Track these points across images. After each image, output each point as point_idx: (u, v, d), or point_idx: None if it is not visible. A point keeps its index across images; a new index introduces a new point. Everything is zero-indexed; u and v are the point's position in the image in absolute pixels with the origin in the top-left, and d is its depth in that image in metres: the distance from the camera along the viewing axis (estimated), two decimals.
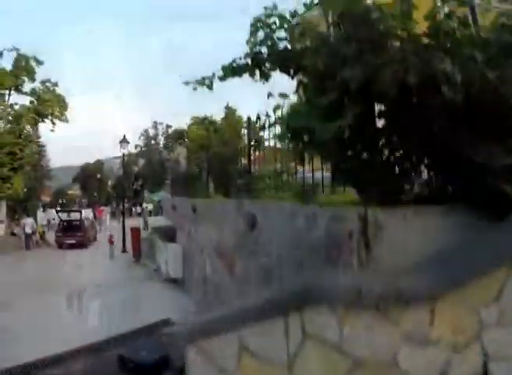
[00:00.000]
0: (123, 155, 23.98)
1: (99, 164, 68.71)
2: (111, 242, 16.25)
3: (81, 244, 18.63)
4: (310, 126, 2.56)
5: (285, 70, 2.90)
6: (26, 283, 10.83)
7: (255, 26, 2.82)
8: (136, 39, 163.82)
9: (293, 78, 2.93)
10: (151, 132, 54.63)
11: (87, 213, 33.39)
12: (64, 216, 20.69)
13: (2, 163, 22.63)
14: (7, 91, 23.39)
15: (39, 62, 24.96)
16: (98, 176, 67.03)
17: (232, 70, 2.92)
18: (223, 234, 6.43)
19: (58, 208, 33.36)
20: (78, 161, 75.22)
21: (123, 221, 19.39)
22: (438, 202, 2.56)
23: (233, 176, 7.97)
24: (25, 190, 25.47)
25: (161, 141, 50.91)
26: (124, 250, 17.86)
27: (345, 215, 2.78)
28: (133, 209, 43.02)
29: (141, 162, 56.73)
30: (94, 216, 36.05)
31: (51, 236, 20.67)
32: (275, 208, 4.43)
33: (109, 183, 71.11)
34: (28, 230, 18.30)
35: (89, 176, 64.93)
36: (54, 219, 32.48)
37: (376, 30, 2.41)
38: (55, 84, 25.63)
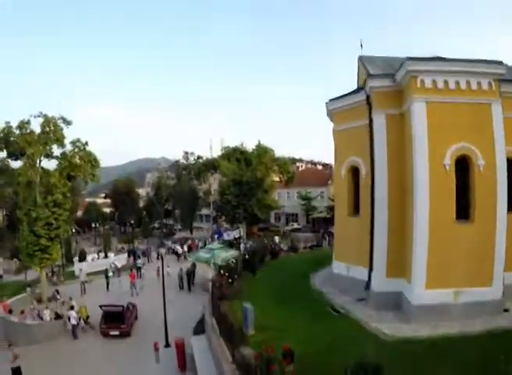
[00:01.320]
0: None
1: (130, 183, 69.10)
2: (156, 349, 15.47)
3: (125, 334, 18.38)
4: None
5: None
6: None
7: None
8: None
9: None
10: (183, 161, 54.11)
11: (120, 259, 33.03)
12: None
13: (39, 234, 22.45)
14: (38, 159, 22.85)
15: (68, 123, 24.35)
16: (129, 191, 67.65)
17: None
18: None
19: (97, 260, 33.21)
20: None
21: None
22: None
23: None
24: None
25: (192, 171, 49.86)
26: (167, 344, 17.09)
27: None
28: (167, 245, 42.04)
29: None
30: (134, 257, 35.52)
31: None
32: None
33: (141, 202, 71.81)
34: (74, 321, 18.30)
35: (120, 193, 65.50)
36: (93, 259, 32.46)
37: None
38: (86, 144, 25.02)
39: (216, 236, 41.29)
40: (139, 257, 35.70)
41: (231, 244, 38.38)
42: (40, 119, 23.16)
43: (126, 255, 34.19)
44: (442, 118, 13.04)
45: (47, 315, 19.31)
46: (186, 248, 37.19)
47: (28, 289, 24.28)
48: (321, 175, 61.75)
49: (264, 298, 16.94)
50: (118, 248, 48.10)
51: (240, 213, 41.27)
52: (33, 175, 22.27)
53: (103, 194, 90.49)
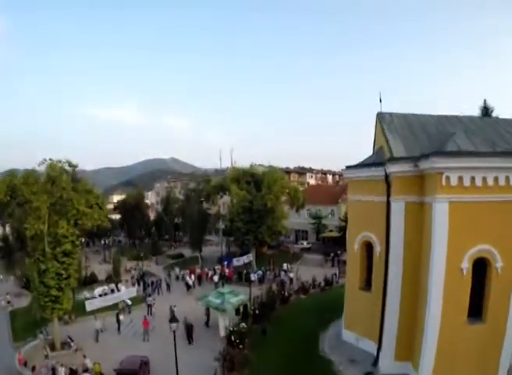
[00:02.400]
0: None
1: (140, 196, 69.37)
2: None
3: None
4: None
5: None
6: None
7: None
8: None
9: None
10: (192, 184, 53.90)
11: (130, 292, 33.00)
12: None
13: (49, 285, 22.51)
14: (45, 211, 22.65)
15: (73, 166, 24.31)
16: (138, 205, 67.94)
17: None
18: None
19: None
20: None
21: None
22: None
23: None
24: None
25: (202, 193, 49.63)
26: None
27: None
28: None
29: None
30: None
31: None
32: None
33: (149, 212, 72.15)
34: None
35: (129, 209, 65.85)
36: (103, 294, 32.53)
37: None
38: (93, 185, 25.03)
39: (226, 263, 41.07)
40: (148, 285, 35.84)
41: (240, 275, 38.29)
42: (45, 165, 22.94)
43: (135, 288, 34.20)
44: (464, 218, 12.48)
45: (62, 373, 19.33)
46: (194, 278, 37.20)
47: (40, 336, 24.46)
48: (331, 193, 60.99)
49: (274, 368, 16.88)
50: (127, 267, 48.39)
51: (249, 240, 41.03)
52: (41, 226, 22.22)
53: (112, 205, 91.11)
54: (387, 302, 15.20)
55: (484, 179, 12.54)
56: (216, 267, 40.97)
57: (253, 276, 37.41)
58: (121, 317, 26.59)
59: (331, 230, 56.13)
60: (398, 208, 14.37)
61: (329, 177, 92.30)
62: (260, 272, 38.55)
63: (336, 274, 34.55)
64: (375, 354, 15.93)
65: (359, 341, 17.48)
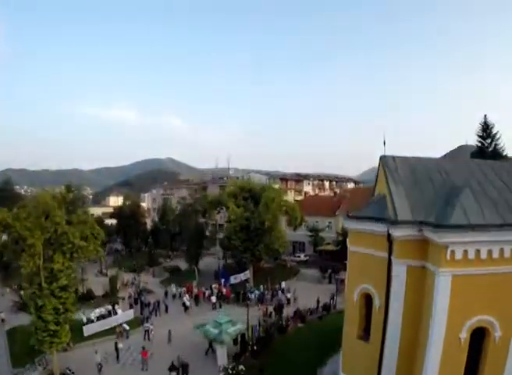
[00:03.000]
0: None
1: (136, 204, 69.29)
2: None
3: None
4: None
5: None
6: None
7: None
8: None
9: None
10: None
11: (128, 315, 33.08)
12: None
13: (47, 320, 22.42)
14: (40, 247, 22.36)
15: (72, 191, 24.28)
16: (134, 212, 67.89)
17: None
18: None
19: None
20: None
21: None
22: None
23: None
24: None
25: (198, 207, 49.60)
26: None
27: None
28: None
29: None
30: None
31: None
32: None
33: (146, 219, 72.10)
34: None
35: (125, 217, 65.85)
36: (101, 317, 32.29)
37: None
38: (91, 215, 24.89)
39: (223, 280, 41.19)
40: (146, 306, 35.87)
41: (238, 294, 38.40)
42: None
43: (132, 310, 34.19)
44: (466, 290, 12.49)
45: None
46: (191, 298, 37.35)
47: (39, 367, 24.44)
48: (329, 204, 61.21)
49: None
50: (124, 281, 48.39)
51: (246, 258, 41.12)
52: (37, 261, 21.94)
53: (108, 209, 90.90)
54: (384, 357, 15.32)
55: (489, 251, 12.52)
56: (213, 285, 41.04)
57: (251, 296, 37.66)
58: (120, 345, 26.64)
59: (328, 243, 56.42)
60: (400, 271, 14.39)
61: (326, 184, 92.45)
62: (257, 292, 38.72)
63: (333, 297, 34.66)
64: None
65: None
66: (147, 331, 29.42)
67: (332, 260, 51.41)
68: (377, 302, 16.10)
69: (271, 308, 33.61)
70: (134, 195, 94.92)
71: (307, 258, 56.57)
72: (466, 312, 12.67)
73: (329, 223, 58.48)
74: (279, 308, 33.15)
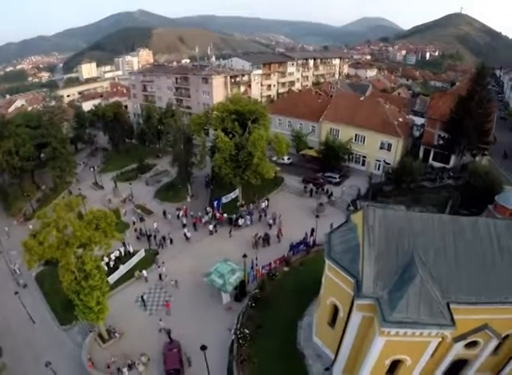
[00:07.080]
0: None
1: (118, 107, 67.48)
2: None
3: None
4: None
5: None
6: None
7: None
8: None
9: None
10: None
11: (139, 255, 39.19)
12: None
13: (90, 306, 26.14)
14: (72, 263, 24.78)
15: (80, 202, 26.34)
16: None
17: None
18: None
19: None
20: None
21: None
22: None
23: None
24: None
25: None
26: None
27: None
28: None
29: None
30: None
31: None
32: None
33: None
34: None
35: (109, 121, 65.53)
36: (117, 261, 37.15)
37: None
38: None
39: (216, 203, 45.65)
40: (150, 236, 41.94)
41: (230, 220, 44.15)
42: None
43: (142, 250, 39.78)
44: (393, 345, 18.11)
45: (126, 372, 25.95)
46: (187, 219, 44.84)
47: (90, 334, 30.02)
48: (314, 107, 60.19)
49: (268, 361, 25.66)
50: (121, 198, 52.99)
51: (236, 181, 44.50)
52: (73, 269, 24.59)
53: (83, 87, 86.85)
54: (343, 343, 21.93)
55: (413, 333, 17.48)
56: (208, 208, 46.64)
57: (241, 222, 43.99)
58: (144, 296, 33.30)
59: (311, 148, 58.93)
60: (357, 316, 19.48)
61: (311, 62, 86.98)
62: (248, 216, 44.52)
63: (313, 232, 39.02)
64: (331, 363, 23.84)
65: (323, 347, 25.24)
66: (160, 275, 35.89)
67: (314, 167, 55.37)
68: (341, 314, 21.80)
69: (260, 232, 40.49)
70: (107, 60, 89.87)
71: (291, 160, 59.45)
72: (389, 353, 18.63)
73: (313, 127, 59.66)
74: (265, 238, 39.71)
